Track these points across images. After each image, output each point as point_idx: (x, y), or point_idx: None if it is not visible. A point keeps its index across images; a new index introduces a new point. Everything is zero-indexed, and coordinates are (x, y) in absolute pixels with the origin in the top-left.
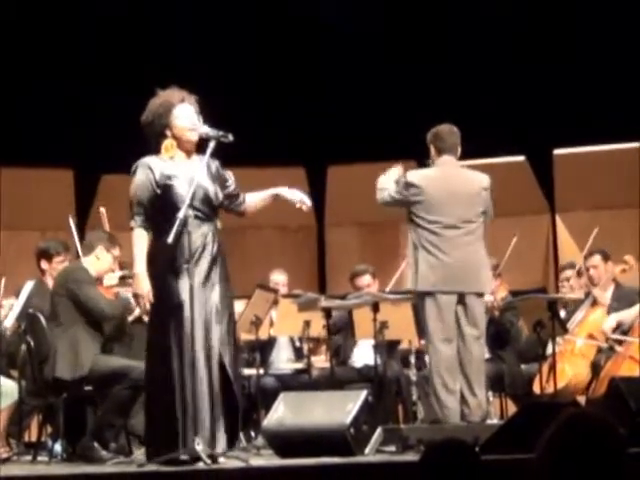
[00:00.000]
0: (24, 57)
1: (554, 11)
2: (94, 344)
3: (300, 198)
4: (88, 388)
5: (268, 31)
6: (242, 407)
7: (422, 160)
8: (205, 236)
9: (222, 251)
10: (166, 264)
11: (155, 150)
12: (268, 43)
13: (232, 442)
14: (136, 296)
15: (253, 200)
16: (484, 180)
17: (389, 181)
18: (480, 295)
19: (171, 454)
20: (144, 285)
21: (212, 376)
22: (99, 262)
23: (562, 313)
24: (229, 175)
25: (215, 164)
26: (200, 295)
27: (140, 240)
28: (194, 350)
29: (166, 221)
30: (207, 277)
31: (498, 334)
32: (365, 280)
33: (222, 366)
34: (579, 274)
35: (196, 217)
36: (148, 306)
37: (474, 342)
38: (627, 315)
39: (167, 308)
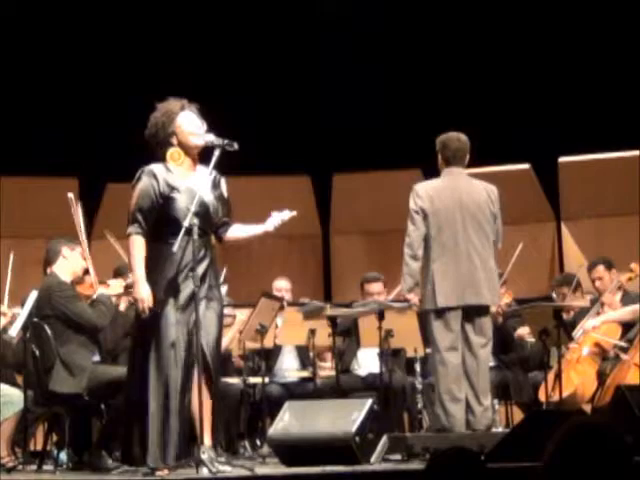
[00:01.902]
0: (29, 65)
1: (559, 20)
2: (89, 357)
3: (286, 215)
4: (87, 399)
5: (272, 39)
6: (222, 414)
7: (427, 168)
8: (199, 250)
9: (214, 265)
10: (165, 272)
11: (162, 161)
12: (272, 51)
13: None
14: (136, 301)
15: (238, 232)
16: (492, 191)
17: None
18: (486, 308)
19: (178, 462)
20: (143, 290)
21: (191, 387)
22: (69, 261)
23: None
24: (228, 202)
25: (222, 183)
26: (197, 300)
27: (138, 246)
28: (176, 362)
29: (166, 233)
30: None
31: (501, 340)
32: (376, 287)
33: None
34: (575, 290)
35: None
36: (147, 311)
37: (480, 350)
38: (614, 316)
39: (156, 321)
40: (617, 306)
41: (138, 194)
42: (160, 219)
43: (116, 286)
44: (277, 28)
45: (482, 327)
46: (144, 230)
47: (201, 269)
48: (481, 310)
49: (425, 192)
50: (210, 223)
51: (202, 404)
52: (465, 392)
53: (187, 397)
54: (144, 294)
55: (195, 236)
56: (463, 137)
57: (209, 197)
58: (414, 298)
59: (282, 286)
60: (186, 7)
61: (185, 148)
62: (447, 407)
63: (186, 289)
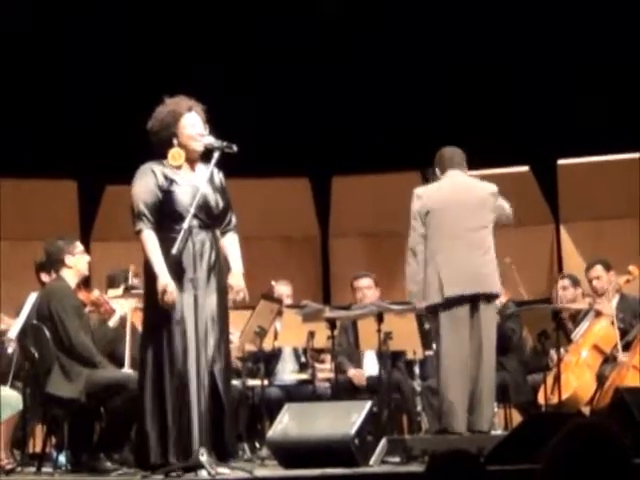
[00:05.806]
0: (28, 66)
1: (558, 21)
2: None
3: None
4: (84, 403)
5: (271, 40)
6: (231, 419)
7: (426, 171)
8: (202, 244)
9: (221, 260)
10: (170, 269)
11: (162, 158)
12: (272, 53)
13: (224, 456)
14: (162, 293)
15: (226, 247)
16: (489, 187)
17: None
18: (491, 300)
19: (176, 464)
20: (164, 279)
21: (203, 389)
22: (74, 269)
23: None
24: (226, 192)
25: (219, 176)
26: (198, 305)
27: (151, 241)
28: (187, 362)
29: (167, 228)
30: (204, 285)
31: (499, 341)
32: (364, 282)
33: (212, 378)
34: (575, 284)
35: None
36: (170, 302)
37: (484, 353)
38: None
39: (165, 318)
40: (612, 312)
41: (140, 191)
42: (163, 214)
43: (115, 290)
44: (276, 29)
45: (488, 330)
46: (152, 224)
47: (205, 262)
48: (486, 311)
49: (424, 192)
50: (212, 216)
51: (200, 407)
52: (467, 394)
53: (191, 398)
54: (166, 284)
55: (195, 238)
56: (458, 150)
57: (208, 191)
58: (420, 303)
59: (284, 292)
60: (184, 7)
61: (185, 150)
62: (448, 409)
63: (189, 289)
